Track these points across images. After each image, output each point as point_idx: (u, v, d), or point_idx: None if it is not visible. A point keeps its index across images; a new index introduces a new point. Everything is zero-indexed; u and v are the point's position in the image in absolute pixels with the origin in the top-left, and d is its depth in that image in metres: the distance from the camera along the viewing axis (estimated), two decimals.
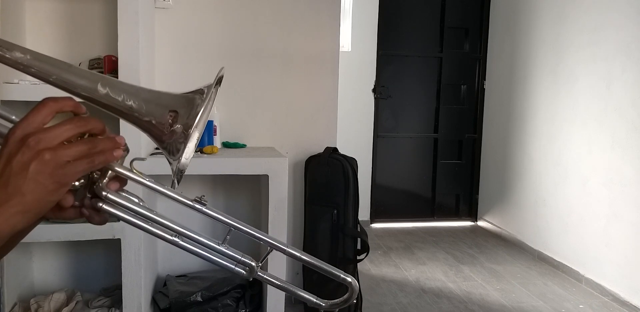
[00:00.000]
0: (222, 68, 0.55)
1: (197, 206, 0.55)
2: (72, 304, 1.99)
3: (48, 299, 1.98)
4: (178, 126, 0.50)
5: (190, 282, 2.17)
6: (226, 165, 1.96)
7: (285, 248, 0.59)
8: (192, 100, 0.51)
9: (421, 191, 4.29)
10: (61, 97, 0.48)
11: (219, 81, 0.54)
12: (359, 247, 2.32)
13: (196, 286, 2.11)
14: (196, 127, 0.50)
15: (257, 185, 2.37)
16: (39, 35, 2.05)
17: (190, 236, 0.56)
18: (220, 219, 0.57)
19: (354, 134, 3.95)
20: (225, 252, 0.57)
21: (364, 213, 4.05)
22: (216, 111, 2.26)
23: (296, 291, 0.61)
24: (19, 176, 0.45)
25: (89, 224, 1.69)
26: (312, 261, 0.60)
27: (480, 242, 3.75)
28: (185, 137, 0.50)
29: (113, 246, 1.95)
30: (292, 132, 2.43)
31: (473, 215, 4.35)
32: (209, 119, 2.34)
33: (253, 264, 0.58)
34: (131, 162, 0.54)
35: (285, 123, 2.42)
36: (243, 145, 2.31)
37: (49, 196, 0.47)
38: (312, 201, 2.34)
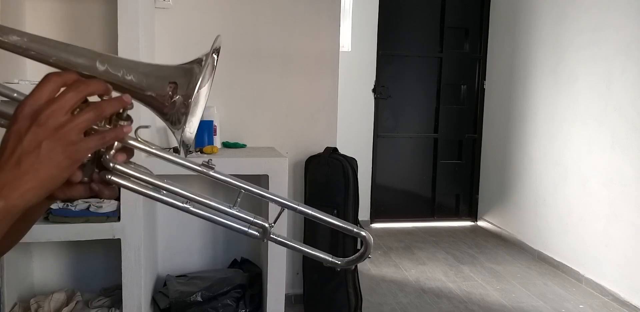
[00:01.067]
0: (218, 36, 0.56)
1: (205, 170, 0.55)
2: (72, 304, 1.99)
3: (48, 299, 1.98)
4: (178, 97, 0.51)
5: (190, 282, 2.17)
6: (226, 165, 1.96)
7: (297, 206, 0.59)
8: (191, 70, 0.52)
9: (421, 191, 4.29)
10: (63, 71, 0.49)
11: (217, 50, 0.54)
12: (359, 247, 2.32)
13: (196, 286, 2.11)
14: (197, 97, 0.50)
15: (257, 185, 2.37)
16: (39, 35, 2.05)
17: (201, 201, 0.56)
18: (230, 182, 0.57)
19: (354, 134, 3.95)
20: (237, 214, 0.57)
21: (364, 213, 4.05)
22: (216, 111, 2.26)
23: (310, 251, 0.61)
24: (31, 154, 0.46)
25: (89, 224, 1.70)
26: (324, 218, 0.60)
27: (480, 242, 3.75)
28: (187, 107, 0.50)
29: (113, 246, 1.95)
30: (292, 132, 2.44)
31: (473, 215, 4.35)
32: (209, 118, 2.33)
33: (266, 225, 0.58)
34: (135, 130, 0.54)
35: (285, 123, 2.42)
36: (243, 146, 2.31)
37: (62, 172, 0.48)
38: (312, 201, 2.34)
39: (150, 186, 0.54)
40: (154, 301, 2.12)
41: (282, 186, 1.94)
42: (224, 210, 0.56)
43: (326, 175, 2.29)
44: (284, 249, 1.99)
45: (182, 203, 0.55)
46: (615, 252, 2.68)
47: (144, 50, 1.89)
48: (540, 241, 3.36)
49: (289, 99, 2.41)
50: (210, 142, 2.15)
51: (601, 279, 2.77)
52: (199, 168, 0.55)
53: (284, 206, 0.59)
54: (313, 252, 0.61)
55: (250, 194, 0.58)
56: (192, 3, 2.26)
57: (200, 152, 2.00)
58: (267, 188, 1.95)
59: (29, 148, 0.46)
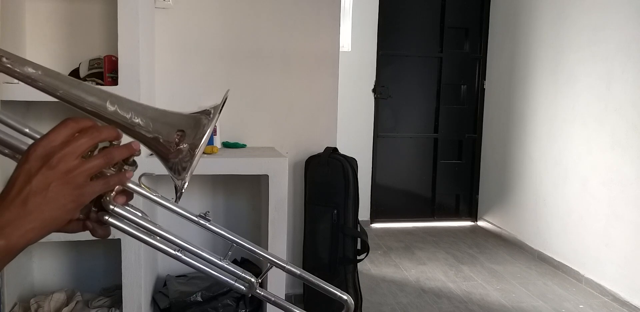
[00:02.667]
0: (228, 90, 0.57)
1: (202, 221, 0.57)
2: (72, 304, 1.99)
3: (48, 299, 1.98)
4: (184, 145, 0.51)
5: (190, 282, 2.17)
6: (226, 165, 1.96)
7: (285, 265, 0.61)
8: (199, 121, 0.52)
9: (421, 191, 4.29)
10: (81, 118, 0.50)
11: (223, 103, 0.55)
12: (359, 247, 2.32)
13: (196, 286, 2.11)
14: (201, 147, 0.51)
15: (257, 185, 2.37)
16: (39, 35, 2.05)
17: (193, 250, 0.57)
18: (223, 235, 0.58)
19: (354, 134, 3.95)
20: (226, 268, 0.58)
21: (364, 213, 4.05)
22: None
23: (293, 309, 0.63)
24: (39, 194, 0.47)
25: None
26: (310, 279, 0.62)
27: (480, 242, 3.75)
28: (192, 157, 0.51)
29: (113, 246, 1.95)
30: (292, 132, 2.44)
31: (473, 215, 4.35)
32: None
33: (253, 280, 0.59)
34: (140, 177, 0.55)
35: (285, 123, 2.42)
36: (243, 146, 2.31)
37: (66, 214, 0.48)
38: (312, 201, 2.34)
39: (145, 231, 0.55)
40: (154, 301, 2.12)
41: (282, 186, 1.94)
42: (214, 262, 0.57)
43: (326, 175, 2.29)
44: (284, 249, 1.99)
45: (174, 251, 0.56)
46: (615, 252, 2.68)
47: (144, 50, 1.89)
48: (540, 241, 3.36)
49: (289, 99, 2.41)
50: (210, 142, 2.15)
51: (601, 279, 2.77)
52: (196, 219, 0.57)
53: (272, 264, 0.61)
54: (296, 311, 0.62)
55: (241, 248, 0.59)
56: (192, 3, 2.26)
57: None
58: (267, 188, 1.95)
59: (37, 189, 0.46)
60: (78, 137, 0.48)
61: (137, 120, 0.52)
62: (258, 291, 0.59)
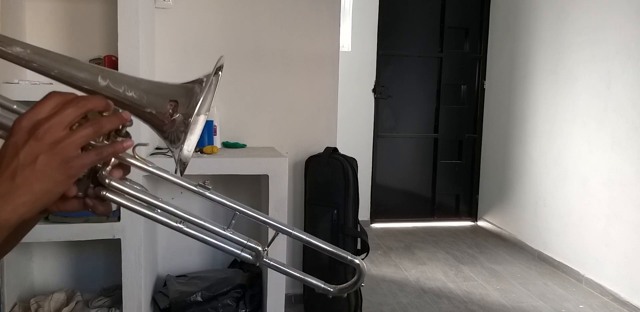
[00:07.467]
0: (221, 57, 0.56)
1: (201, 190, 0.56)
2: (72, 304, 1.99)
3: (48, 299, 1.98)
4: (178, 115, 0.51)
5: (190, 282, 2.17)
6: (226, 165, 1.96)
7: (291, 231, 0.59)
8: (192, 90, 0.52)
9: (421, 191, 4.29)
10: (67, 92, 0.49)
11: (218, 70, 0.55)
12: (359, 247, 2.32)
13: (196, 286, 2.11)
14: (197, 115, 0.51)
15: (257, 185, 2.37)
16: (39, 35, 2.05)
17: (195, 221, 0.55)
18: (225, 203, 0.57)
19: (354, 134, 3.95)
20: (231, 237, 0.56)
21: (364, 213, 4.05)
22: (216, 111, 2.26)
23: (303, 277, 0.61)
24: (27, 167, 0.45)
25: (89, 224, 1.70)
26: (318, 244, 0.60)
27: (480, 242, 3.75)
28: (186, 126, 0.50)
29: (113, 246, 1.95)
30: (292, 132, 2.44)
31: (473, 215, 4.35)
32: (209, 119, 2.34)
33: (260, 248, 0.57)
34: (133, 148, 0.53)
35: (285, 123, 2.42)
36: (243, 146, 2.31)
37: (57, 187, 0.47)
38: (312, 201, 2.34)
39: (145, 204, 0.54)
40: (154, 301, 2.12)
41: (282, 186, 1.94)
42: (217, 232, 0.56)
43: (326, 175, 2.29)
44: (284, 249, 1.99)
45: (176, 223, 0.55)
46: (615, 252, 2.68)
47: (144, 50, 1.89)
48: (540, 241, 3.36)
49: (289, 99, 2.41)
50: (210, 142, 2.15)
51: (601, 279, 2.77)
52: (195, 188, 0.55)
53: (278, 230, 0.59)
54: (306, 279, 0.61)
55: (245, 216, 0.57)
56: (192, 3, 2.26)
57: (201, 152, 2.00)
58: (267, 188, 1.95)
59: (24, 162, 0.45)
60: (64, 107, 0.47)
61: (130, 94, 0.52)
62: (266, 259, 0.58)
